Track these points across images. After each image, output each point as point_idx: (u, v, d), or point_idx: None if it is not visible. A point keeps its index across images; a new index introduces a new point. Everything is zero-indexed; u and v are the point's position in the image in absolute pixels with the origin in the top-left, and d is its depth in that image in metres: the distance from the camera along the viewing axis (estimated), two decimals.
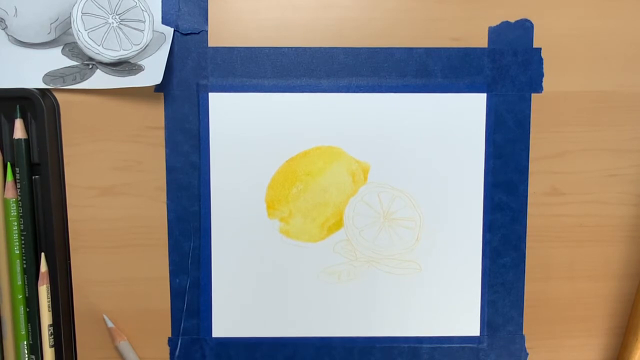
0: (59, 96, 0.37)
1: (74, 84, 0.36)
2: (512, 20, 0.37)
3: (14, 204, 0.36)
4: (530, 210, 0.39)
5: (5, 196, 0.36)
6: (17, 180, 0.36)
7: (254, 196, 0.38)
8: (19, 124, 0.36)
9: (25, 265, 0.37)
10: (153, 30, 0.36)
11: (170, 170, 0.38)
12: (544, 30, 0.37)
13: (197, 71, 0.37)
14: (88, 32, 0.35)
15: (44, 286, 0.37)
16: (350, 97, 0.37)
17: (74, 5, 0.35)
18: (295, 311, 0.39)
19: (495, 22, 0.37)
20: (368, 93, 0.37)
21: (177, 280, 0.38)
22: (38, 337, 0.37)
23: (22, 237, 0.36)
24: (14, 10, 0.36)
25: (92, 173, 0.38)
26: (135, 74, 0.36)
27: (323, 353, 0.39)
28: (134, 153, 0.38)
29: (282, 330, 0.39)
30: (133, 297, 0.38)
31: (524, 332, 0.40)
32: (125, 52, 0.36)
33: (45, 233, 0.37)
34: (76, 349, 0.39)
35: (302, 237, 0.38)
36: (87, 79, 0.36)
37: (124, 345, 0.38)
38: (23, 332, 0.37)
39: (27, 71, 0.36)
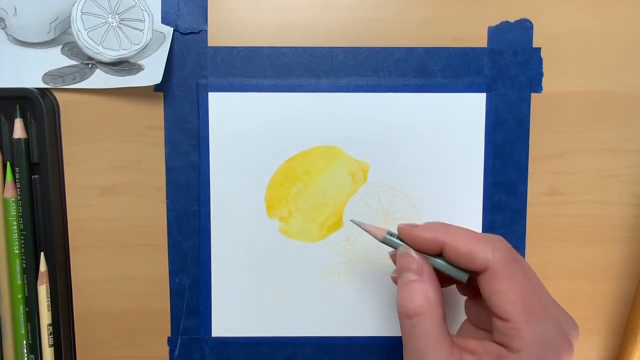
0: (58, 96, 0.37)
1: (74, 83, 0.36)
2: (512, 20, 0.37)
3: (14, 204, 0.36)
4: (530, 210, 0.38)
5: (4, 196, 0.36)
6: (17, 180, 0.36)
7: (254, 196, 0.38)
8: (18, 124, 0.36)
9: (24, 265, 0.37)
10: (153, 30, 0.36)
11: (170, 170, 0.38)
12: (544, 30, 0.37)
13: (196, 71, 0.37)
14: (87, 32, 0.35)
15: (44, 286, 0.37)
16: (350, 97, 0.37)
17: (73, 5, 0.35)
18: (295, 311, 0.39)
19: (495, 22, 0.37)
20: (368, 93, 0.37)
21: (177, 280, 0.38)
22: (37, 337, 0.37)
23: (22, 237, 0.36)
24: (14, 10, 0.36)
25: (92, 173, 0.38)
26: (135, 73, 0.36)
27: (323, 353, 0.39)
28: (133, 153, 0.38)
29: (282, 330, 0.39)
30: (133, 297, 0.38)
31: None
32: (125, 52, 0.36)
33: (45, 233, 0.37)
34: (76, 348, 0.39)
35: (301, 237, 0.38)
36: (86, 78, 0.36)
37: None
38: (22, 332, 0.37)
39: (26, 71, 0.36)
